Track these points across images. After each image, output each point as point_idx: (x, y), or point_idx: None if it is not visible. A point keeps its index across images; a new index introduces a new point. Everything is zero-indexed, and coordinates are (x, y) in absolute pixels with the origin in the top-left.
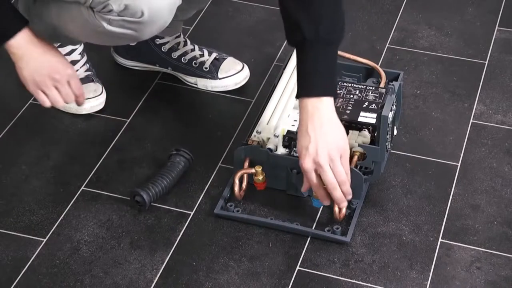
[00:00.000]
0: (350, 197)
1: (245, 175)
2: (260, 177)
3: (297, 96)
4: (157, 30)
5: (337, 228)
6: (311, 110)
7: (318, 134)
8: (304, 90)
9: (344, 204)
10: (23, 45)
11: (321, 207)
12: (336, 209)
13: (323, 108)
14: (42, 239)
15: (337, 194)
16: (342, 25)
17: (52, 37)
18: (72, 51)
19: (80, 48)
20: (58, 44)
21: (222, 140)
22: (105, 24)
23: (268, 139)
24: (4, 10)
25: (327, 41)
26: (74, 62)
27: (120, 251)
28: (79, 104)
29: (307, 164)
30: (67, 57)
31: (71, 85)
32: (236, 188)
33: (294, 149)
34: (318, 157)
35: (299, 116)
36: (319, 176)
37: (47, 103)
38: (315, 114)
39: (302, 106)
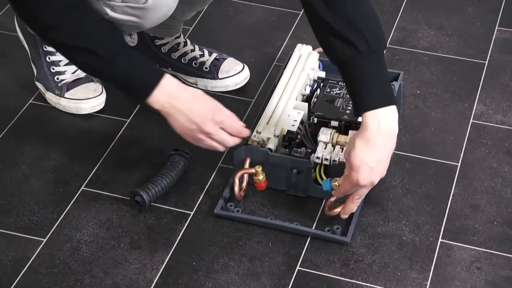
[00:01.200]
0: (346, 216)
1: (245, 175)
2: (260, 177)
3: (363, 110)
4: (160, 18)
5: (337, 228)
6: (383, 124)
7: (382, 156)
8: (368, 104)
9: (347, 215)
10: (164, 102)
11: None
12: (338, 209)
13: (392, 121)
14: (42, 239)
15: (354, 208)
16: (382, 30)
17: None
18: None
19: None
20: None
21: None
22: (108, 11)
23: (268, 139)
24: (138, 65)
25: (378, 49)
26: None
27: (120, 251)
28: (242, 135)
29: (366, 180)
30: None
31: (225, 128)
32: (236, 188)
33: (294, 149)
34: (375, 177)
35: (365, 126)
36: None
37: (216, 148)
38: (384, 133)
39: (370, 118)
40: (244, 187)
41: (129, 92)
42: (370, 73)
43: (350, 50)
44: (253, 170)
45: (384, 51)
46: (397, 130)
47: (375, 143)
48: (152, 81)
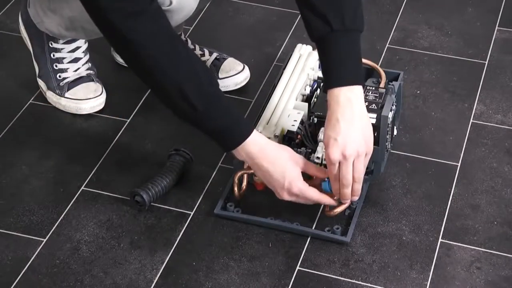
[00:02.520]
0: (357, 198)
1: (245, 175)
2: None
3: (327, 87)
4: (183, 18)
5: (337, 228)
6: (343, 100)
7: (349, 127)
8: (335, 81)
9: (347, 202)
10: (246, 158)
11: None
12: (339, 209)
13: (355, 99)
14: (42, 239)
15: (347, 191)
16: (361, 12)
17: (68, 30)
18: (76, 48)
19: (84, 46)
20: (67, 39)
21: None
22: None
23: (268, 139)
24: (229, 119)
25: (353, 30)
26: (77, 60)
27: (120, 251)
28: (323, 202)
29: (334, 154)
30: (71, 54)
31: (304, 195)
32: (236, 188)
33: (294, 149)
34: (347, 149)
35: (328, 107)
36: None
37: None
38: (347, 106)
39: (333, 97)
40: (244, 187)
41: (216, 142)
42: (339, 52)
43: (324, 28)
44: (253, 170)
45: (361, 33)
46: (362, 108)
47: (338, 118)
48: (238, 139)
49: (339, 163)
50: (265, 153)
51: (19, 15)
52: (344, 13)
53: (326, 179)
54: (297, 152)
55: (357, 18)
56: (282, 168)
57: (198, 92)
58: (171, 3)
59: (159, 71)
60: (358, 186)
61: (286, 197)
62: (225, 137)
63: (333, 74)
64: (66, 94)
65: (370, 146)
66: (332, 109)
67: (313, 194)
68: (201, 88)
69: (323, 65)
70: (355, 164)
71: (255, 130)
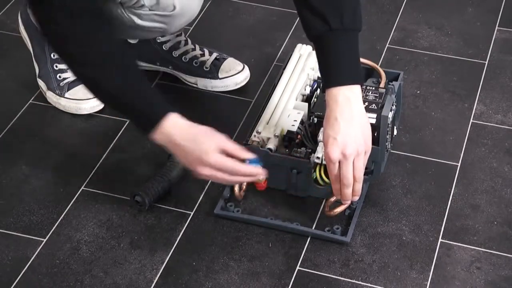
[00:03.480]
0: (357, 198)
1: None
2: (260, 177)
3: (326, 87)
4: (185, 22)
5: (337, 228)
6: (342, 100)
7: (348, 126)
8: (334, 80)
9: (348, 202)
10: (165, 142)
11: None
12: (339, 209)
13: (354, 98)
14: (42, 239)
15: (348, 191)
16: (360, 12)
17: None
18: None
19: None
20: None
21: None
22: (135, 19)
23: (268, 139)
24: (145, 103)
25: (351, 29)
26: None
27: (120, 251)
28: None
29: (334, 153)
30: None
31: (223, 165)
32: (236, 188)
33: (294, 149)
34: (347, 148)
35: (327, 106)
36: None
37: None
38: (346, 105)
39: (332, 96)
40: (244, 187)
41: (134, 125)
42: (338, 51)
43: (323, 26)
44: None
45: (359, 32)
46: (361, 107)
47: (337, 117)
48: (155, 120)
49: (339, 162)
50: (183, 131)
51: (19, 15)
52: (343, 12)
53: (248, 161)
54: (297, 152)
55: (356, 18)
56: (199, 141)
57: (114, 72)
58: (174, 8)
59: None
60: (359, 186)
61: (203, 170)
62: (141, 118)
63: (332, 73)
64: (66, 94)
65: (369, 145)
66: (331, 108)
67: (232, 164)
68: (118, 71)
69: (321, 64)
70: (355, 163)
71: (175, 113)
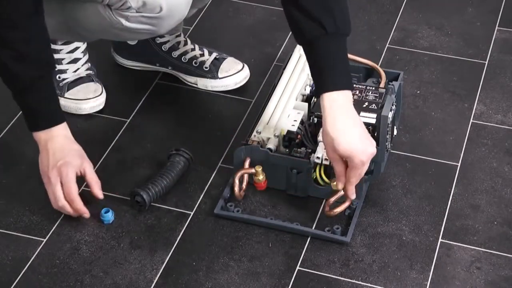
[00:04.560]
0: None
1: (245, 175)
2: (260, 177)
3: (323, 91)
4: (174, 24)
5: (337, 228)
6: (343, 104)
7: (347, 127)
8: (331, 85)
9: (354, 197)
10: (43, 142)
11: None
12: (339, 209)
13: (350, 103)
14: (42, 239)
15: (353, 188)
16: (349, 16)
17: (64, 34)
18: (75, 49)
19: (83, 46)
20: (64, 41)
21: (222, 140)
22: (123, 21)
23: (268, 139)
24: (46, 103)
25: (345, 34)
26: (76, 60)
27: (120, 251)
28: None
29: (367, 157)
30: (70, 54)
31: (85, 174)
32: (236, 188)
33: (294, 149)
34: (369, 150)
35: (328, 109)
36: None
37: (54, 202)
38: (349, 109)
39: (331, 100)
40: (244, 187)
41: (25, 117)
42: (333, 56)
43: (318, 31)
44: (253, 170)
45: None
46: (352, 110)
47: (335, 117)
48: (47, 123)
49: (349, 163)
50: (62, 141)
51: None
52: (336, 16)
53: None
54: (297, 152)
55: (347, 22)
56: (69, 154)
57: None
58: (161, 9)
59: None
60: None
61: (50, 174)
62: (38, 118)
63: (329, 77)
64: (66, 94)
65: (374, 145)
66: (335, 112)
67: (73, 191)
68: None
69: (315, 67)
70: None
71: (65, 124)
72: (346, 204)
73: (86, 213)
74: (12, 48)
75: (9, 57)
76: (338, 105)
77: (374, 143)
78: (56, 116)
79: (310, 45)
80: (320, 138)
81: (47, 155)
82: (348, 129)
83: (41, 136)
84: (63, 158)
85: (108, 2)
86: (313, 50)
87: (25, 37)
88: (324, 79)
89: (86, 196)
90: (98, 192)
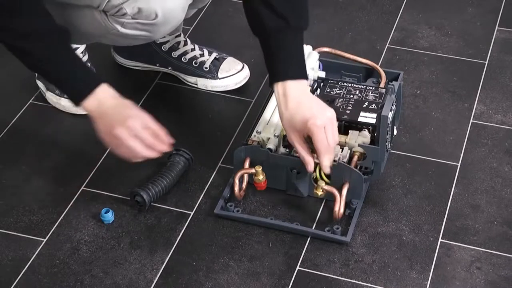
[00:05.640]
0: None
1: (245, 175)
2: (260, 177)
3: (283, 78)
4: (170, 30)
5: (337, 228)
6: (303, 90)
7: (317, 101)
8: (291, 74)
9: (327, 171)
10: (94, 108)
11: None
12: (336, 208)
13: (307, 88)
14: (42, 239)
15: (331, 158)
16: (308, 11)
17: None
18: (75, 49)
19: (82, 47)
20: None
21: (222, 140)
22: (119, 27)
23: (268, 139)
24: (76, 70)
25: (304, 27)
26: None
27: (120, 251)
28: (157, 149)
29: (322, 120)
30: None
31: (140, 138)
32: (236, 188)
33: (294, 149)
34: (327, 113)
35: (285, 96)
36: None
37: (133, 157)
38: (306, 92)
39: (290, 88)
40: (244, 187)
41: (67, 94)
42: (291, 48)
43: (281, 24)
44: (253, 170)
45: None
46: (309, 93)
47: (301, 99)
48: (87, 88)
49: (314, 133)
50: (114, 98)
51: None
52: (298, 12)
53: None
54: (296, 152)
55: (307, 17)
56: (129, 108)
57: (45, 43)
58: (156, 16)
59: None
60: (334, 151)
61: (119, 131)
62: (76, 86)
63: (288, 67)
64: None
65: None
66: (293, 95)
67: (148, 136)
68: (49, 38)
69: (273, 58)
70: (333, 128)
71: (106, 83)
72: (337, 198)
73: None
74: (22, 34)
75: (23, 41)
76: (294, 91)
77: (332, 109)
78: (94, 78)
79: (270, 37)
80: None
81: (104, 119)
82: (302, 102)
83: (89, 103)
84: (121, 114)
85: (104, 8)
86: (273, 42)
87: (29, 20)
88: (282, 68)
89: (86, 196)
90: (166, 138)
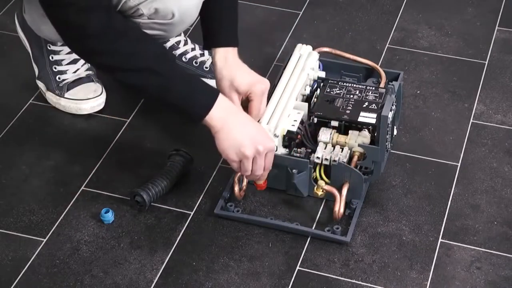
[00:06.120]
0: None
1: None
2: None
3: (220, 45)
4: (184, 28)
5: (337, 228)
6: (235, 57)
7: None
8: (229, 40)
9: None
10: (222, 116)
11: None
12: (336, 208)
13: (237, 56)
14: (42, 239)
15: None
16: None
17: None
18: None
19: None
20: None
21: None
22: None
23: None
24: (196, 83)
25: None
26: (76, 61)
27: (120, 251)
28: (259, 180)
29: (267, 87)
30: (70, 55)
31: (267, 158)
32: (236, 188)
33: (294, 149)
34: (268, 84)
35: (224, 61)
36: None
37: (244, 172)
38: (240, 62)
39: (228, 53)
40: (244, 187)
41: (187, 110)
42: (231, 14)
43: None
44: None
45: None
46: (242, 63)
47: (232, 65)
48: (210, 99)
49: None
50: (239, 110)
51: (15, 17)
52: None
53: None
54: (296, 152)
55: None
56: (256, 124)
57: (161, 61)
58: (173, 16)
59: (117, 61)
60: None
61: (248, 152)
62: (198, 100)
63: (228, 33)
64: (66, 95)
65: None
66: (234, 60)
67: (272, 157)
68: (163, 57)
69: (214, 23)
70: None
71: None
72: (337, 198)
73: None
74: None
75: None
76: (231, 58)
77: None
78: (211, 87)
79: (212, 2)
80: (320, 137)
81: (232, 133)
82: (243, 68)
83: (213, 116)
84: (255, 136)
85: (119, 9)
86: (215, 8)
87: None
88: (222, 34)
89: (86, 196)
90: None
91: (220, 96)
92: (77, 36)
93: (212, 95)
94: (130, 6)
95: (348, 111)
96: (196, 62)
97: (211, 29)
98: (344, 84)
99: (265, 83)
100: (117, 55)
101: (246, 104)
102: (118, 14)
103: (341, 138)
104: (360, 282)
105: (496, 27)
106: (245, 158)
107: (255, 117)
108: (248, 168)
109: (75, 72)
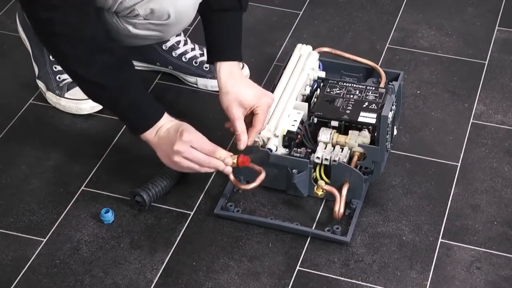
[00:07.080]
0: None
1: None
2: (235, 160)
3: (224, 59)
4: (181, 29)
5: (337, 228)
6: (239, 71)
7: (260, 88)
8: (234, 54)
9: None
10: (154, 138)
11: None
12: (336, 208)
13: (241, 71)
14: (42, 239)
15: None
16: None
17: None
18: None
19: None
20: None
21: (222, 140)
22: (130, 28)
23: (268, 139)
24: (138, 104)
25: (245, 9)
26: None
27: (120, 251)
28: (215, 156)
29: (272, 101)
30: None
31: (197, 149)
32: (232, 176)
33: (294, 149)
34: (271, 96)
35: (230, 76)
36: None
37: (196, 169)
38: (244, 76)
39: (232, 67)
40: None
41: (127, 125)
42: (237, 29)
43: (236, 4)
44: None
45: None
46: (246, 78)
47: (235, 80)
48: (149, 122)
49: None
50: (167, 126)
51: (16, 16)
52: None
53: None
54: (296, 152)
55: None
56: (179, 134)
57: (112, 75)
58: (169, 17)
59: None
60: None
61: (177, 147)
62: (137, 120)
63: (232, 48)
64: (66, 95)
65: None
66: (239, 75)
67: (206, 141)
68: (115, 72)
69: (220, 36)
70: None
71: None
72: (337, 198)
73: (220, 153)
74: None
75: (95, 72)
76: (236, 72)
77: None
78: (158, 108)
79: (216, 15)
80: (320, 137)
81: (161, 147)
82: (248, 82)
83: (148, 134)
84: (170, 141)
85: (115, 9)
86: (218, 21)
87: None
88: (227, 49)
89: (86, 196)
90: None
91: (161, 120)
92: (46, 32)
93: (150, 120)
94: (126, 7)
95: (348, 111)
96: (196, 62)
97: (216, 43)
98: (344, 84)
99: (270, 97)
100: (76, 60)
101: (250, 118)
102: (94, 20)
103: (341, 138)
104: (360, 282)
105: (496, 27)
106: (178, 157)
107: (258, 130)
108: (190, 166)
109: None
